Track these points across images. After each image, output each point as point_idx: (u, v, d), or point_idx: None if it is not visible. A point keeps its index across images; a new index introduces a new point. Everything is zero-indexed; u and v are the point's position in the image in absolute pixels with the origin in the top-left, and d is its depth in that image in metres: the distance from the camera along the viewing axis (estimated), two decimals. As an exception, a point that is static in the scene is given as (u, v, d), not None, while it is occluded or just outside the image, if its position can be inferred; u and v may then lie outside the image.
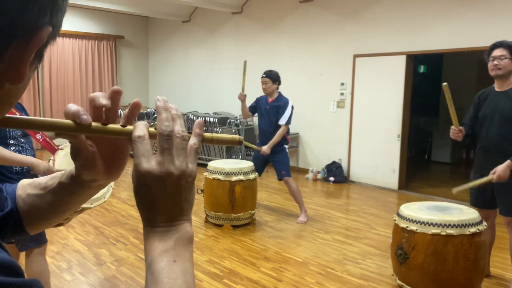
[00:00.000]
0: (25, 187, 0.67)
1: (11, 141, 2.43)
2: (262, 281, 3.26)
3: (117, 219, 4.73)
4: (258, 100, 4.81)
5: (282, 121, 4.56)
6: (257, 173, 4.64)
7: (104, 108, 0.57)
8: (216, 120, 7.80)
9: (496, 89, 3.05)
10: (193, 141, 0.54)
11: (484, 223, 2.84)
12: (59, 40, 9.52)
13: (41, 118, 0.53)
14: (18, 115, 0.51)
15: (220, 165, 4.51)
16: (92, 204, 2.28)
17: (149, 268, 0.50)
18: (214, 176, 4.41)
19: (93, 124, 0.54)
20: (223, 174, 4.38)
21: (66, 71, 9.62)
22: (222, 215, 4.40)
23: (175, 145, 0.52)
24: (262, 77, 4.66)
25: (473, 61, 8.12)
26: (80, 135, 0.57)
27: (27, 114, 2.54)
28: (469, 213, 2.83)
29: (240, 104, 4.78)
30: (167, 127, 0.52)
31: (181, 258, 0.51)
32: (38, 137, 2.30)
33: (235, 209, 4.37)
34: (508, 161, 2.83)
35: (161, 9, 9.18)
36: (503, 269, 3.52)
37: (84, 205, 2.18)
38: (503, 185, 2.94)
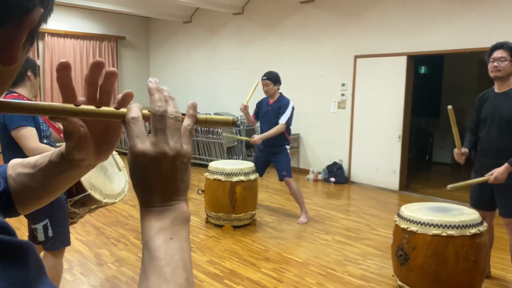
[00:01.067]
0: (15, 166, 0.67)
1: (45, 141, 2.45)
2: (262, 281, 3.26)
3: (118, 219, 4.73)
4: (259, 104, 4.80)
5: (282, 120, 4.56)
6: (258, 174, 4.64)
7: (99, 89, 0.58)
8: (217, 120, 7.79)
9: (496, 90, 3.05)
10: (187, 122, 0.55)
11: (485, 223, 2.84)
12: (60, 40, 9.55)
13: (35, 102, 0.53)
14: (7, 100, 0.51)
15: (221, 165, 4.51)
16: (116, 198, 2.31)
17: (146, 246, 0.50)
18: (215, 176, 4.41)
19: (87, 107, 0.54)
20: (224, 175, 4.38)
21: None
22: (223, 215, 4.40)
23: (168, 126, 0.52)
24: (262, 79, 4.66)
25: (473, 62, 8.12)
26: (72, 117, 0.57)
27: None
28: (469, 214, 2.83)
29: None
30: (160, 108, 0.52)
31: (178, 237, 0.51)
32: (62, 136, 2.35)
33: (235, 209, 4.37)
34: (506, 164, 2.83)
35: (162, 10, 9.19)
36: (503, 270, 3.51)
37: (109, 200, 2.21)
38: (503, 187, 2.94)
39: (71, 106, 0.54)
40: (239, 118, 8.14)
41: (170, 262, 0.49)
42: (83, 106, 0.55)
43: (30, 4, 0.42)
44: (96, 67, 0.57)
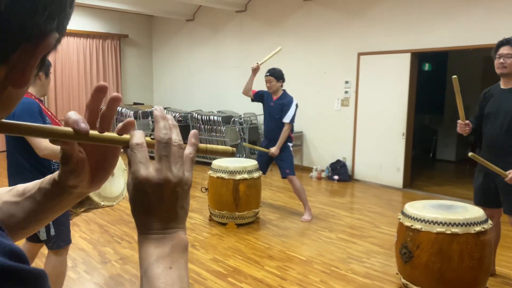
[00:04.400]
0: (1, 195, 0.65)
1: None
2: (266, 279, 3.26)
3: (122, 217, 4.74)
4: (266, 94, 4.78)
5: (286, 119, 4.56)
6: (261, 172, 4.64)
7: (100, 115, 0.58)
8: (220, 118, 7.80)
9: (502, 86, 3.04)
10: (188, 150, 0.56)
11: (490, 221, 2.83)
12: (63, 39, 9.53)
13: (39, 124, 0.53)
14: (15, 121, 0.51)
15: (224, 163, 4.51)
16: (114, 202, 2.31)
17: (145, 274, 0.50)
18: (218, 174, 4.41)
19: (90, 132, 0.54)
20: (227, 173, 4.38)
21: (70, 70, 9.65)
22: (226, 213, 4.40)
23: (172, 153, 0.52)
24: (265, 75, 4.66)
25: (478, 59, 8.07)
26: (74, 142, 0.57)
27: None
28: (474, 212, 2.82)
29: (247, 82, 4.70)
30: (165, 135, 0.53)
31: (177, 265, 0.51)
32: None
33: (239, 207, 4.37)
34: None
35: (165, 8, 9.18)
36: (508, 268, 3.50)
37: (107, 203, 2.21)
38: (507, 184, 2.92)
39: (76, 130, 0.53)
40: (242, 116, 8.13)
41: None
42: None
43: (47, 28, 0.42)
44: (99, 92, 0.57)
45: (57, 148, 2.30)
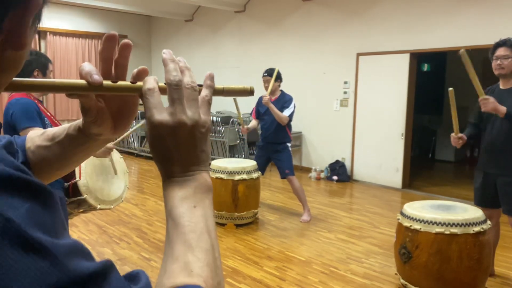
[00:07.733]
0: (34, 139, 0.68)
1: None
2: (265, 280, 3.26)
3: (121, 218, 4.73)
4: (260, 100, 4.77)
5: (286, 112, 4.54)
6: (260, 172, 4.63)
7: (114, 64, 0.58)
8: (219, 119, 7.80)
9: (501, 87, 3.04)
10: (204, 93, 0.55)
11: (489, 222, 2.83)
12: (62, 39, 9.55)
13: (52, 79, 0.53)
14: (27, 79, 0.52)
15: (223, 164, 4.50)
16: (111, 205, 2.30)
17: (170, 214, 0.50)
18: (217, 175, 4.41)
19: (104, 82, 0.54)
20: (226, 173, 4.37)
21: (69, 70, 9.64)
22: (225, 214, 4.39)
23: (185, 96, 0.52)
24: (263, 76, 4.65)
25: (477, 59, 8.04)
26: (91, 93, 0.57)
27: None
28: (473, 212, 2.82)
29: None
30: (175, 77, 0.52)
31: (201, 204, 0.51)
32: None
33: (238, 208, 4.36)
34: (504, 109, 2.78)
35: (164, 8, 9.18)
36: (507, 268, 3.50)
37: (104, 206, 2.21)
38: (506, 185, 2.93)
39: (89, 82, 0.53)
40: (235, 118, 8.11)
41: (195, 229, 0.49)
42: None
43: None
44: (109, 40, 0.57)
45: None
